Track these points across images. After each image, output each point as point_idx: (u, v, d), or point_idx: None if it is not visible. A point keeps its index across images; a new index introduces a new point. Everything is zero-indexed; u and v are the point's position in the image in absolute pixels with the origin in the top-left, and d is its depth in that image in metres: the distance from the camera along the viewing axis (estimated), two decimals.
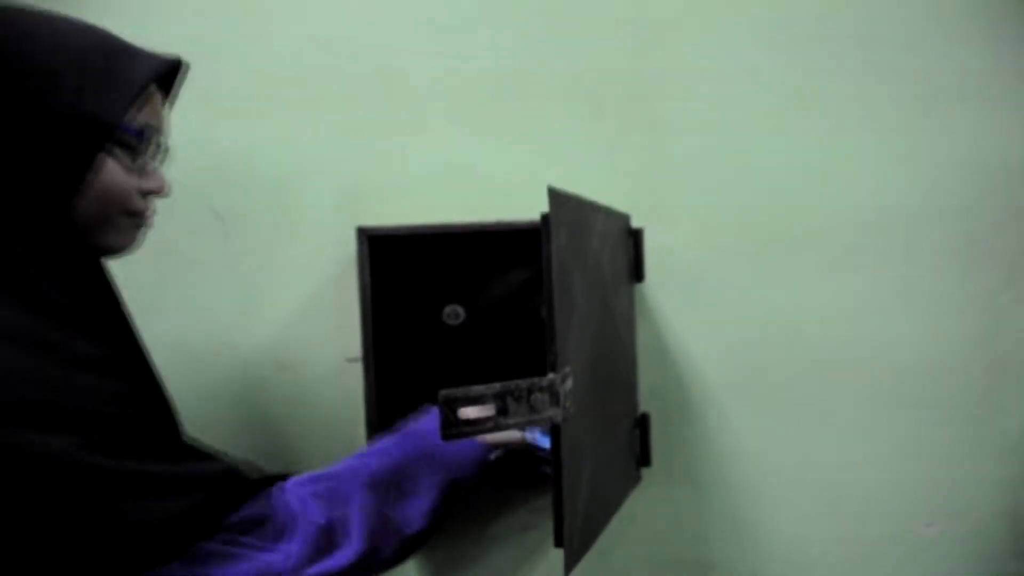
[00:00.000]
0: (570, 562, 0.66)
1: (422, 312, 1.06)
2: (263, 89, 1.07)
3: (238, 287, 1.07)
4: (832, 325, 1.06)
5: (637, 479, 1.04)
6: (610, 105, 1.07)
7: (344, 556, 0.72)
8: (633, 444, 1.02)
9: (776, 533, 1.09)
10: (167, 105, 0.78)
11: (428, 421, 0.84)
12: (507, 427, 0.63)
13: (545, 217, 0.66)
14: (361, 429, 0.99)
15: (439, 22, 1.07)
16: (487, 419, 0.62)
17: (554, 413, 0.65)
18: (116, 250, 0.74)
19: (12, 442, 0.57)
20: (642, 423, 1.05)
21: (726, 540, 1.09)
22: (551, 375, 0.65)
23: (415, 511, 0.79)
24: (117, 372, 0.66)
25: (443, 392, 0.60)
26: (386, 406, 0.99)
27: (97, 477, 0.60)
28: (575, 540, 0.69)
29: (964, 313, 1.06)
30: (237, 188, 1.07)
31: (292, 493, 0.74)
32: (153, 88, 0.73)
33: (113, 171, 0.69)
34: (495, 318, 1.07)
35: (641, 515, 1.07)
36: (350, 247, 1.01)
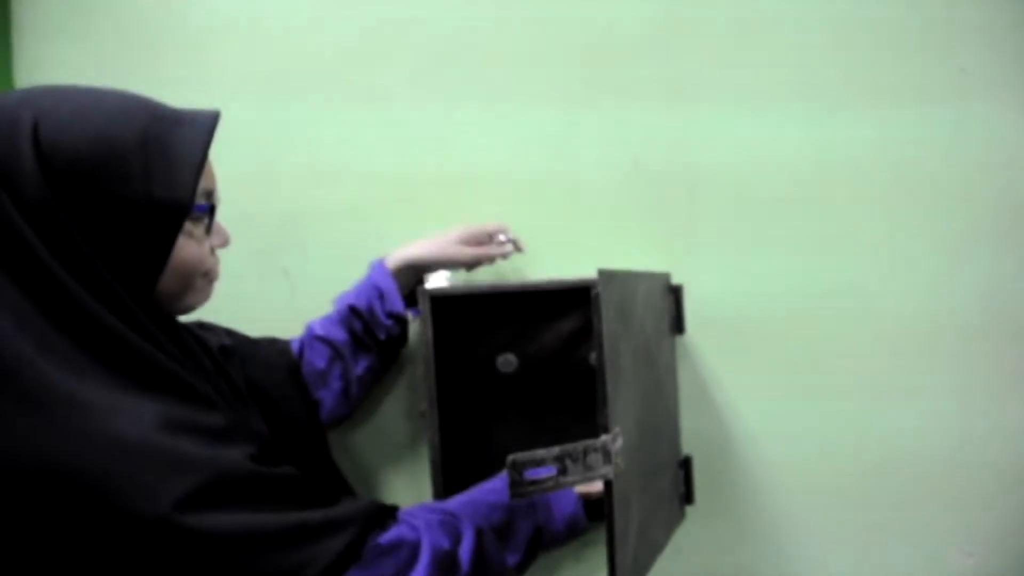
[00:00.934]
0: None
1: (479, 362, 1.15)
2: (329, 166, 1.18)
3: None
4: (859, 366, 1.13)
5: (681, 517, 1.11)
6: (652, 167, 1.16)
7: None
8: (678, 484, 1.10)
9: (813, 562, 1.15)
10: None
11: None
12: (566, 485, 0.71)
13: (596, 297, 0.74)
14: (426, 475, 1.08)
15: (496, 107, 1.17)
16: (548, 479, 0.71)
17: (607, 471, 0.73)
18: (193, 309, 0.78)
19: (197, 527, 0.60)
20: (685, 464, 1.13)
21: (766, 571, 1.16)
22: (604, 436, 0.74)
23: (513, 557, 0.86)
24: (242, 437, 0.70)
25: (511, 457, 0.69)
26: (449, 451, 1.08)
27: (267, 538, 0.64)
28: None
29: None
30: (303, 250, 1.19)
31: (420, 518, 0.78)
32: (207, 147, 0.73)
33: (188, 246, 0.72)
34: (546, 366, 1.15)
35: (686, 549, 1.14)
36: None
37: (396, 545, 0.73)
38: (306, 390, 1.04)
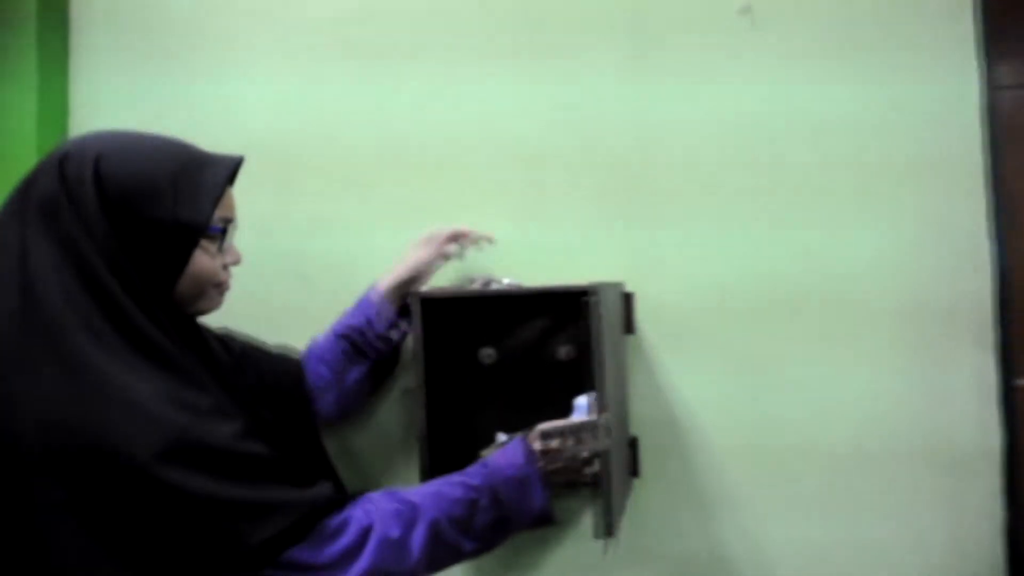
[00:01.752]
0: (607, 544, 0.95)
1: (463, 354, 1.31)
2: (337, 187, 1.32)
3: (313, 331, 1.30)
4: (785, 367, 1.37)
5: (630, 487, 1.32)
6: (617, 190, 1.36)
7: (398, 568, 0.87)
8: (627, 460, 1.30)
9: (743, 528, 1.39)
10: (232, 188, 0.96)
11: (508, 455, 0.99)
12: (578, 453, 0.89)
13: (595, 305, 0.93)
14: (414, 451, 1.23)
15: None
16: (562, 449, 0.89)
17: (606, 443, 0.92)
18: (206, 312, 0.96)
19: (164, 478, 0.75)
20: (632, 444, 1.34)
21: (701, 534, 1.39)
22: (604, 415, 0.92)
23: (471, 544, 0.94)
24: (228, 418, 0.83)
25: (539, 427, 0.86)
26: (435, 427, 1.24)
27: (219, 505, 0.78)
28: (614, 530, 0.96)
29: None
30: (317, 259, 1.32)
31: (377, 506, 0.89)
32: (226, 183, 0.92)
33: (202, 259, 0.90)
34: (520, 358, 1.33)
35: (633, 515, 1.35)
36: None
37: (341, 528, 0.84)
38: (308, 397, 1.20)
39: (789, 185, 1.39)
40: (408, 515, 0.90)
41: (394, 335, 1.26)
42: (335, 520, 0.85)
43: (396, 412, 1.29)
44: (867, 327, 1.39)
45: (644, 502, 1.36)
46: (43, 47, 1.41)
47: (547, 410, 1.22)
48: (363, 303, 1.25)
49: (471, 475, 0.97)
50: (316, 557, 0.81)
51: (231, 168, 0.93)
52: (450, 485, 0.96)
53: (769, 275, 1.36)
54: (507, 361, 1.33)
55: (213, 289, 0.94)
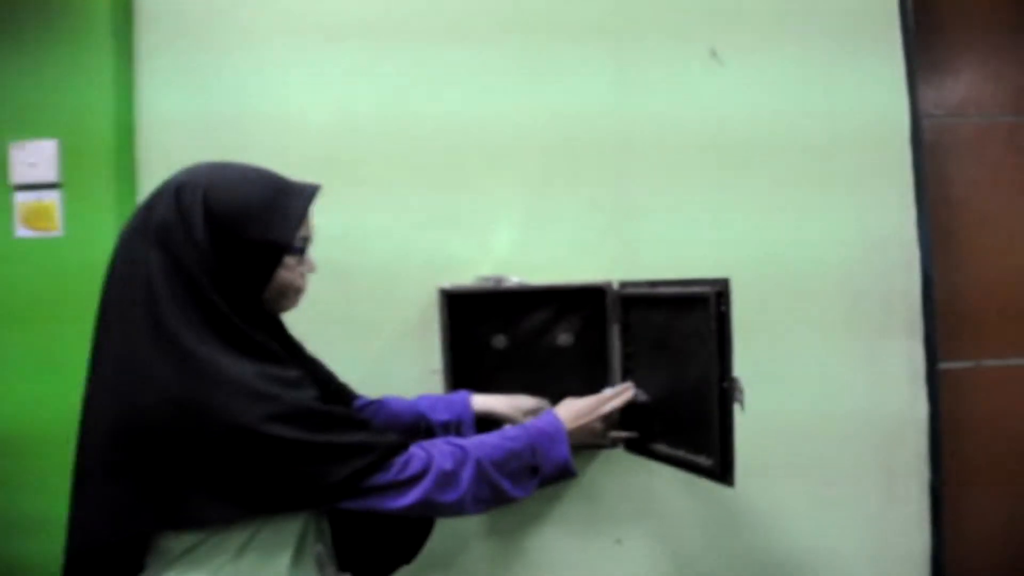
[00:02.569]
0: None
1: (480, 340, 1.58)
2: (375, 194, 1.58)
3: (354, 323, 1.56)
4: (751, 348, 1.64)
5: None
6: (601, 177, 1.65)
7: (450, 497, 1.08)
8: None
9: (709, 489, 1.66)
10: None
11: (544, 422, 1.23)
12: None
13: (612, 297, 1.19)
14: None
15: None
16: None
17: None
18: (287, 311, 1.15)
19: (268, 433, 0.95)
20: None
21: (678, 495, 1.66)
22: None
23: (508, 484, 1.14)
24: (310, 385, 1.07)
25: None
26: None
27: (310, 448, 0.98)
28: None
29: None
30: (354, 260, 1.59)
31: (436, 447, 1.11)
32: (309, 207, 1.10)
33: (286, 271, 1.08)
34: (526, 344, 1.59)
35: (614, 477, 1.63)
36: (430, 295, 1.56)
37: (408, 462, 1.05)
38: (350, 393, 1.36)
39: (753, 197, 1.66)
40: (459, 455, 1.10)
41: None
42: (402, 457, 1.06)
43: (424, 389, 1.54)
44: (820, 319, 1.67)
45: (623, 464, 1.62)
46: (117, 45, 1.61)
47: (549, 387, 1.51)
48: (459, 405, 1.41)
49: (510, 431, 1.20)
50: (387, 481, 1.04)
51: (311, 196, 1.11)
52: (493, 436, 1.17)
53: (738, 267, 1.61)
54: (516, 347, 1.59)
55: (293, 293, 1.12)
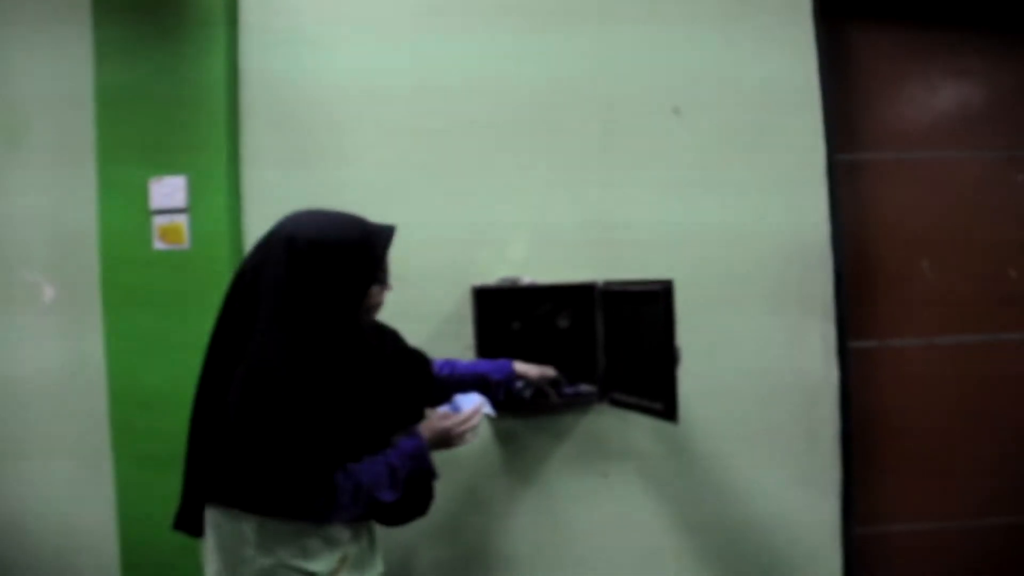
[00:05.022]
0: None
1: (501, 324, 2.13)
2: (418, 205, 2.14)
3: (412, 313, 2.07)
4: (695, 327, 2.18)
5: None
6: (590, 205, 2.19)
7: (343, 516, 1.39)
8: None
9: (665, 437, 2.21)
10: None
11: (404, 444, 1.48)
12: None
13: (598, 293, 1.75)
14: None
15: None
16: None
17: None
18: (372, 318, 1.53)
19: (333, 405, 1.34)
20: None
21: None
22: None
23: (391, 494, 1.42)
24: (370, 389, 1.44)
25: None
26: None
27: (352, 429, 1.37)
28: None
29: None
30: (410, 269, 2.11)
31: (340, 490, 1.35)
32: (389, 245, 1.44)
33: (372, 295, 1.43)
34: (535, 327, 2.15)
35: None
36: (464, 292, 2.11)
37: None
38: (428, 360, 1.78)
39: (702, 211, 2.21)
40: (352, 483, 1.37)
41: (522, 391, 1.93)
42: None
43: (464, 358, 2.09)
44: (753, 305, 2.22)
45: (605, 417, 2.18)
46: (228, 102, 2.15)
47: (552, 357, 2.05)
48: (507, 369, 1.86)
49: (393, 456, 1.45)
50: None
51: (390, 237, 1.44)
52: (390, 455, 1.45)
53: (688, 264, 2.15)
54: (527, 328, 2.15)
55: (375, 308, 1.51)
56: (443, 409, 1.62)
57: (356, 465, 1.39)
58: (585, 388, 2.10)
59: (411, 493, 1.48)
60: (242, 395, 1.29)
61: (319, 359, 1.33)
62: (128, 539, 2.13)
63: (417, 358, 1.74)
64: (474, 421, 1.58)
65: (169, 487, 1.51)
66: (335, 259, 1.34)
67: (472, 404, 1.61)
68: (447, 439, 1.55)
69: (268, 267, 1.34)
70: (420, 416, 1.59)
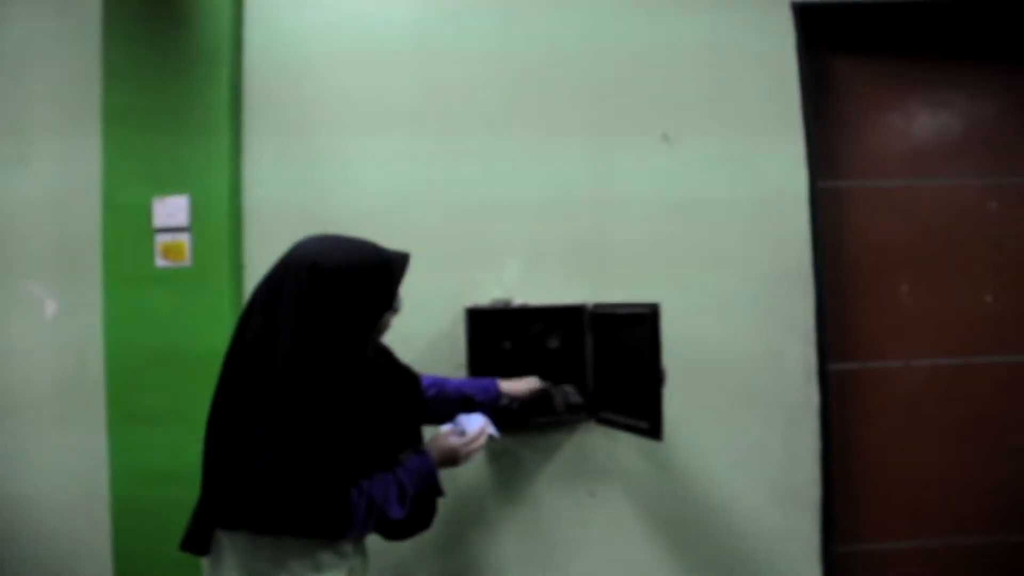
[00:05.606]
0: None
1: (493, 344, 2.19)
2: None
3: (407, 332, 2.14)
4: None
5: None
6: (581, 228, 2.26)
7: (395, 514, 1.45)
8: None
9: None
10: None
11: (413, 462, 1.53)
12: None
13: (587, 314, 1.82)
14: None
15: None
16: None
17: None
18: (381, 339, 1.60)
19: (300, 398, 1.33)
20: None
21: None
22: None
23: (401, 510, 1.46)
24: (375, 408, 1.47)
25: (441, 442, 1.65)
26: None
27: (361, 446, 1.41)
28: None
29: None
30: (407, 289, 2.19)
31: (356, 507, 1.40)
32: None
33: (386, 320, 1.52)
34: (526, 347, 2.21)
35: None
36: (458, 312, 2.18)
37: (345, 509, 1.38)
38: (417, 377, 1.76)
39: (691, 251, 2.29)
40: (365, 500, 1.42)
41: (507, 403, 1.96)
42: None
43: (456, 377, 2.16)
44: (737, 327, 2.29)
45: (592, 436, 2.24)
46: (231, 130, 2.22)
47: (543, 377, 2.12)
48: (492, 390, 1.92)
49: (399, 472, 1.51)
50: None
51: (404, 265, 1.51)
52: (398, 472, 1.50)
53: (673, 297, 2.23)
54: (518, 348, 2.21)
55: (385, 329, 1.58)
56: (446, 427, 1.67)
57: (367, 482, 1.43)
58: (570, 388, 2.14)
59: (417, 510, 1.53)
60: (275, 419, 1.33)
61: (340, 380, 1.38)
62: (123, 552, 2.18)
63: (408, 375, 1.79)
64: (480, 441, 1.66)
65: (167, 495, 1.55)
66: (358, 284, 1.41)
67: (477, 424, 1.67)
68: (454, 458, 1.61)
69: (289, 289, 1.39)
70: (417, 432, 1.63)
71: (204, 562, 1.49)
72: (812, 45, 2.36)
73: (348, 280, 1.39)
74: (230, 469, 1.37)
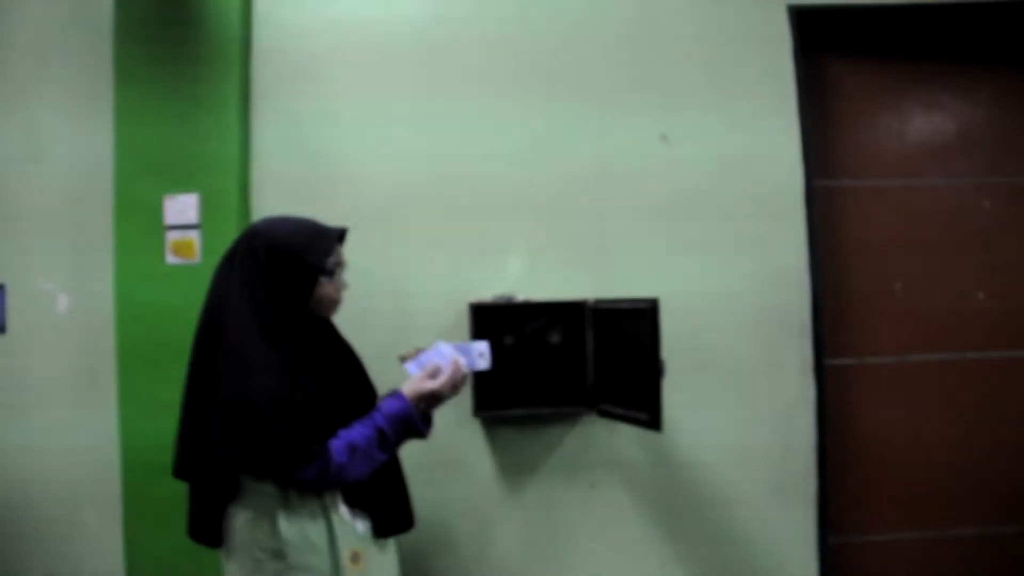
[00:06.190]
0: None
1: (495, 339, 2.24)
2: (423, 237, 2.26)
3: (411, 326, 2.22)
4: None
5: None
6: (584, 232, 2.32)
7: (348, 475, 1.47)
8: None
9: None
10: (342, 246, 1.60)
11: (389, 404, 1.55)
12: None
13: (588, 309, 1.87)
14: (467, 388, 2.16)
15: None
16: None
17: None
18: (328, 315, 1.61)
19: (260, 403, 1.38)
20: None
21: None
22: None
23: (383, 454, 1.53)
24: (318, 384, 1.49)
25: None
26: (480, 379, 2.15)
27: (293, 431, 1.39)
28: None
29: None
30: (412, 285, 2.25)
31: (336, 448, 1.46)
32: (336, 243, 1.56)
33: (323, 288, 1.54)
34: (528, 342, 2.26)
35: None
36: (462, 308, 2.23)
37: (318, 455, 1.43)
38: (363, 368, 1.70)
39: (690, 241, 2.34)
40: (344, 442, 1.48)
41: None
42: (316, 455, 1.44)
43: None
44: (734, 323, 2.34)
45: (592, 429, 2.29)
46: (241, 132, 2.28)
47: (544, 372, 2.17)
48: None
49: (376, 416, 1.54)
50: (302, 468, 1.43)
51: (339, 235, 1.60)
52: (374, 417, 1.54)
53: (674, 289, 2.27)
54: (521, 343, 2.26)
55: (329, 304, 1.59)
56: (412, 369, 1.63)
57: (345, 429, 1.51)
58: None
59: (391, 500, 1.61)
60: (228, 368, 1.43)
61: (285, 337, 1.47)
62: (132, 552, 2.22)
63: (354, 356, 1.72)
64: (461, 373, 1.61)
65: (178, 485, 1.60)
66: (287, 250, 1.51)
67: (444, 358, 1.62)
68: (437, 398, 1.58)
69: (240, 257, 1.52)
70: (370, 401, 1.62)
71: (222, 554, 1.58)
72: (808, 48, 2.41)
73: (276, 245, 1.51)
74: (195, 424, 1.49)
